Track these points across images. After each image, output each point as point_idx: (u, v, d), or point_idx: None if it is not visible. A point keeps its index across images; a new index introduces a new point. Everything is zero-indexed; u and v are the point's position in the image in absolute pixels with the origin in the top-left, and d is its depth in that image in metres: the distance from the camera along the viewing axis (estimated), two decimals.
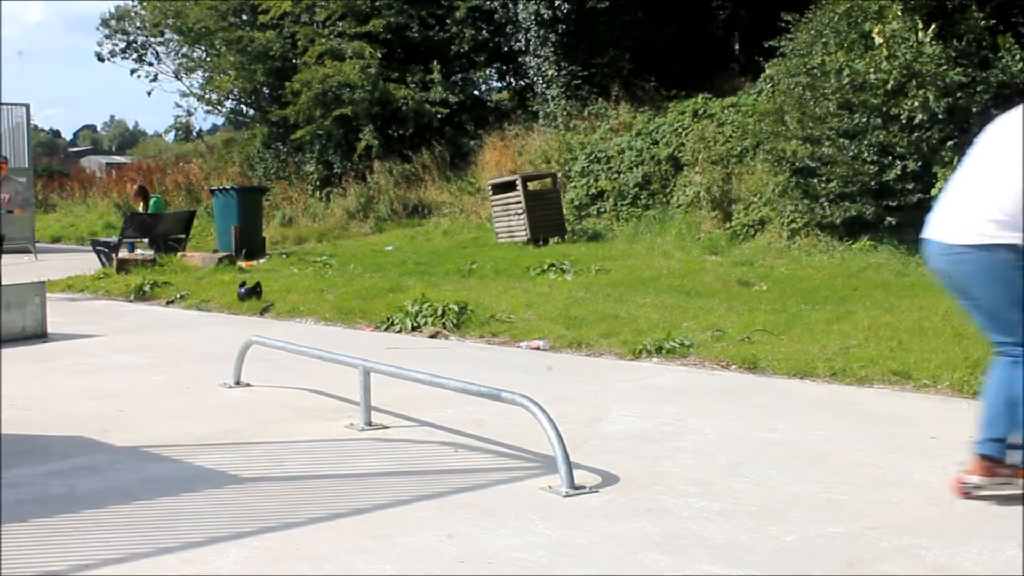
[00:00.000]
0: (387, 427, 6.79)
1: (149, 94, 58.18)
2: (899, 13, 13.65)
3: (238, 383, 8.18)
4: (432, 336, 10.75)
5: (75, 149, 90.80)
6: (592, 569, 4.29)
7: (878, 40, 13.79)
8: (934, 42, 13.27)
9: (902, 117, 13.68)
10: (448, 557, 4.43)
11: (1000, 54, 13.34)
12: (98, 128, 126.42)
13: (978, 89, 13.28)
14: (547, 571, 4.28)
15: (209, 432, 6.72)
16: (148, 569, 4.34)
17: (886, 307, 10.88)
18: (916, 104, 13.36)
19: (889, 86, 13.65)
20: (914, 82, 13.42)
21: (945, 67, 13.18)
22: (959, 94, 13.27)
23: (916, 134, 13.68)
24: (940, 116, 13.33)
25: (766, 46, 17.80)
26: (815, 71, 15.15)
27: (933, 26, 13.26)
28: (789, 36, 16.86)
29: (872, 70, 13.88)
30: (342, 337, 10.80)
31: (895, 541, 4.53)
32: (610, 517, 4.90)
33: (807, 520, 4.81)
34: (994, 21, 13.47)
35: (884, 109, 13.92)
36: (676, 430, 6.59)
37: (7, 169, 13.63)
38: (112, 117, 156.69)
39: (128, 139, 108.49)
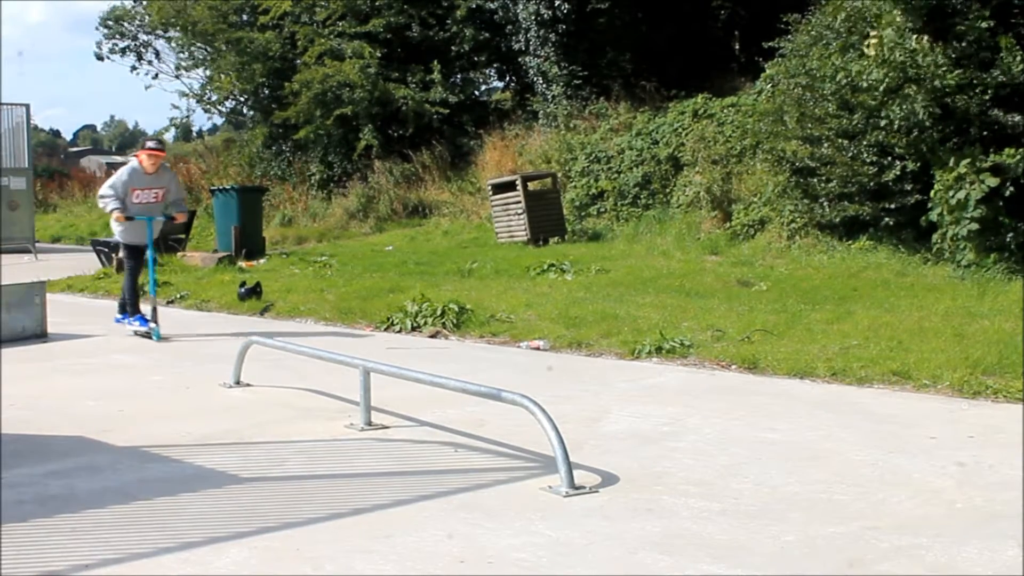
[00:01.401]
0: (387, 427, 6.79)
1: (147, 88, 58.20)
2: (897, 17, 13.62)
3: (238, 383, 8.19)
4: (432, 336, 10.76)
5: (75, 149, 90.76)
6: (592, 569, 4.29)
7: (869, 52, 13.80)
8: (931, 46, 13.25)
9: (895, 120, 13.67)
10: (448, 557, 4.42)
11: (1001, 54, 13.31)
12: (98, 128, 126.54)
13: (977, 90, 13.26)
14: (547, 571, 4.28)
15: (209, 432, 6.72)
16: (148, 569, 4.34)
17: (886, 307, 10.89)
18: (907, 107, 13.36)
19: (883, 87, 13.64)
20: (907, 86, 13.40)
21: (944, 69, 13.16)
22: (957, 96, 13.25)
23: (915, 135, 13.66)
24: (929, 119, 13.32)
25: (765, 47, 17.79)
26: (813, 72, 15.14)
27: (927, 36, 13.26)
28: (788, 37, 16.86)
29: (866, 74, 13.89)
30: (342, 337, 10.80)
31: (895, 541, 4.53)
32: (610, 517, 4.90)
33: (807, 520, 4.81)
34: (994, 22, 13.44)
35: (881, 111, 13.91)
36: (676, 430, 6.59)
37: (162, 159, 11.31)
38: (112, 117, 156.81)
39: (128, 139, 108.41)
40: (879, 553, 4.40)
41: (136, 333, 10.93)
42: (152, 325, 10.76)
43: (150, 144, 11.13)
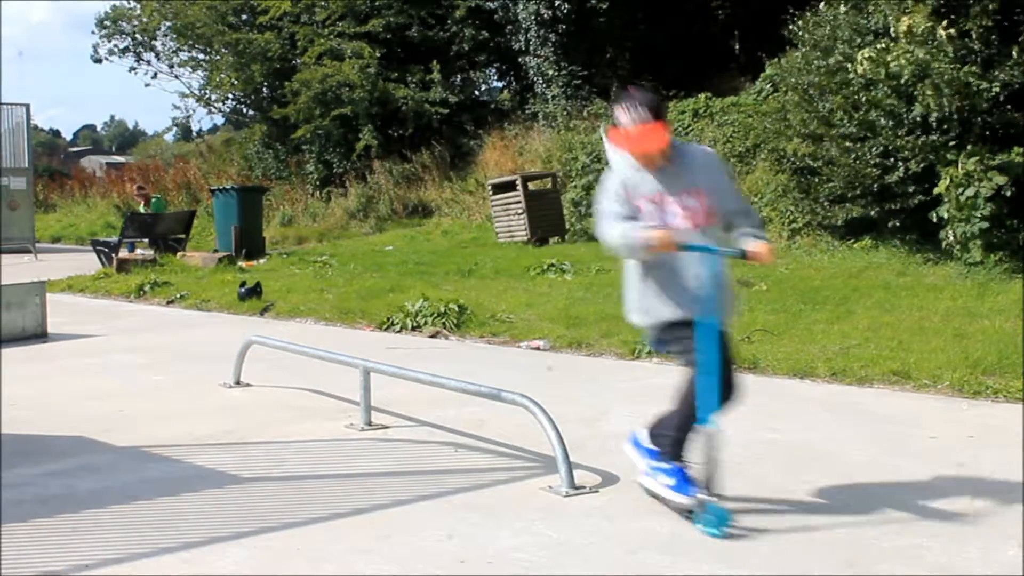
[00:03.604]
0: (387, 427, 6.79)
1: (147, 86, 58.43)
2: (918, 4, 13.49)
3: (238, 383, 8.19)
4: (432, 336, 10.75)
5: (75, 149, 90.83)
6: (592, 569, 4.29)
7: (902, 27, 13.62)
8: (948, 40, 13.18)
9: (912, 117, 13.58)
10: (449, 557, 4.42)
11: (1009, 49, 13.24)
12: (98, 128, 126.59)
13: (981, 89, 13.21)
14: (547, 571, 4.27)
15: (209, 432, 6.72)
16: (148, 569, 4.34)
17: (886, 307, 10.88)
18: (930, 103, 13.27)
19: (902, 80, 13.55)
20: (928, 80, 13.32)
21: (958, 66, 13.09)
22: (965, 94, 13.20)
23: (919, 136, 13.62)
24: (954, 116, 13.26)
25: (776, 35, 17.63)
26: (822, 69, 15.08)
27: (944, 23, 13.16)
28: (797, 32, 16.75)
29: (889, 62, 13.78)
30: (342, 337, 10.80)
31: (895, 541, 4.53)
32: (610, 517, 4.90)
33: (807, 520, 4.81)
34: (999, 18, 13.38)
35: (889, 109, 13.85)
36: None
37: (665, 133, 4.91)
38: (112, 117, 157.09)
39: (128, 139, 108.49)
40: (879, 553, 4.40)
41: (662, 498, 5.04)
42: (705, 498, 4.77)
43: (633, 104, 4.94)
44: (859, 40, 14.75)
